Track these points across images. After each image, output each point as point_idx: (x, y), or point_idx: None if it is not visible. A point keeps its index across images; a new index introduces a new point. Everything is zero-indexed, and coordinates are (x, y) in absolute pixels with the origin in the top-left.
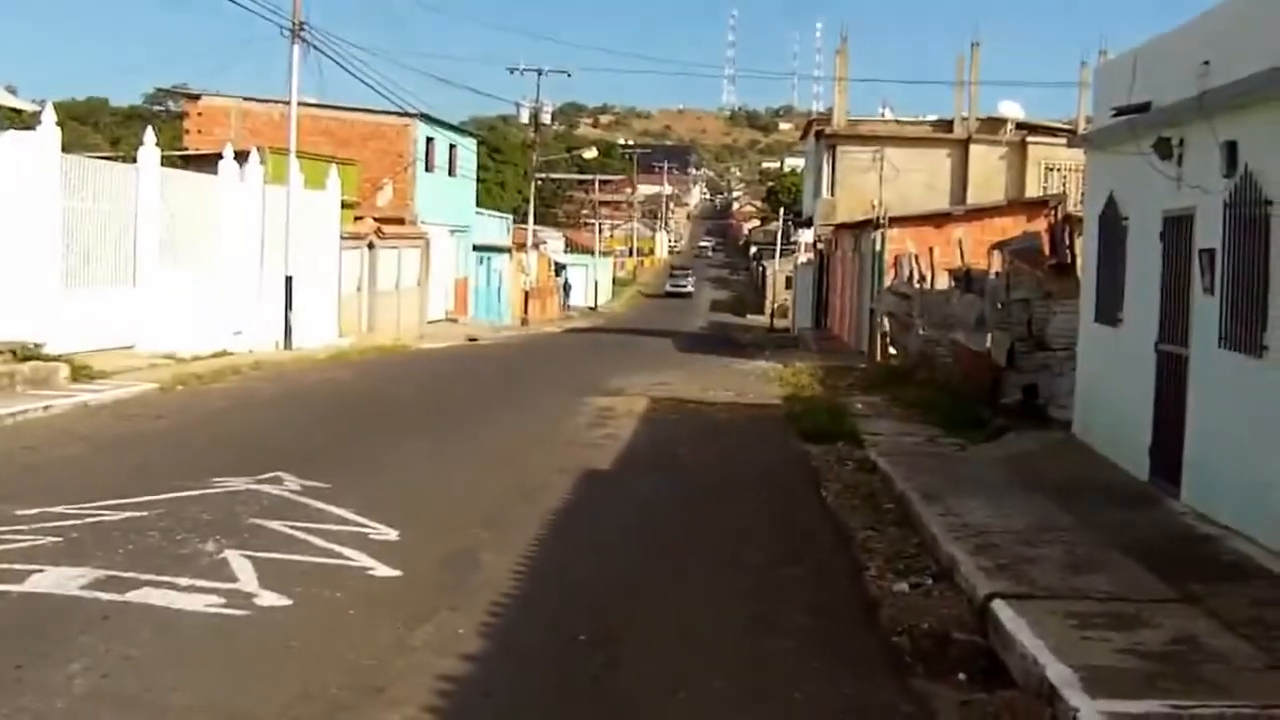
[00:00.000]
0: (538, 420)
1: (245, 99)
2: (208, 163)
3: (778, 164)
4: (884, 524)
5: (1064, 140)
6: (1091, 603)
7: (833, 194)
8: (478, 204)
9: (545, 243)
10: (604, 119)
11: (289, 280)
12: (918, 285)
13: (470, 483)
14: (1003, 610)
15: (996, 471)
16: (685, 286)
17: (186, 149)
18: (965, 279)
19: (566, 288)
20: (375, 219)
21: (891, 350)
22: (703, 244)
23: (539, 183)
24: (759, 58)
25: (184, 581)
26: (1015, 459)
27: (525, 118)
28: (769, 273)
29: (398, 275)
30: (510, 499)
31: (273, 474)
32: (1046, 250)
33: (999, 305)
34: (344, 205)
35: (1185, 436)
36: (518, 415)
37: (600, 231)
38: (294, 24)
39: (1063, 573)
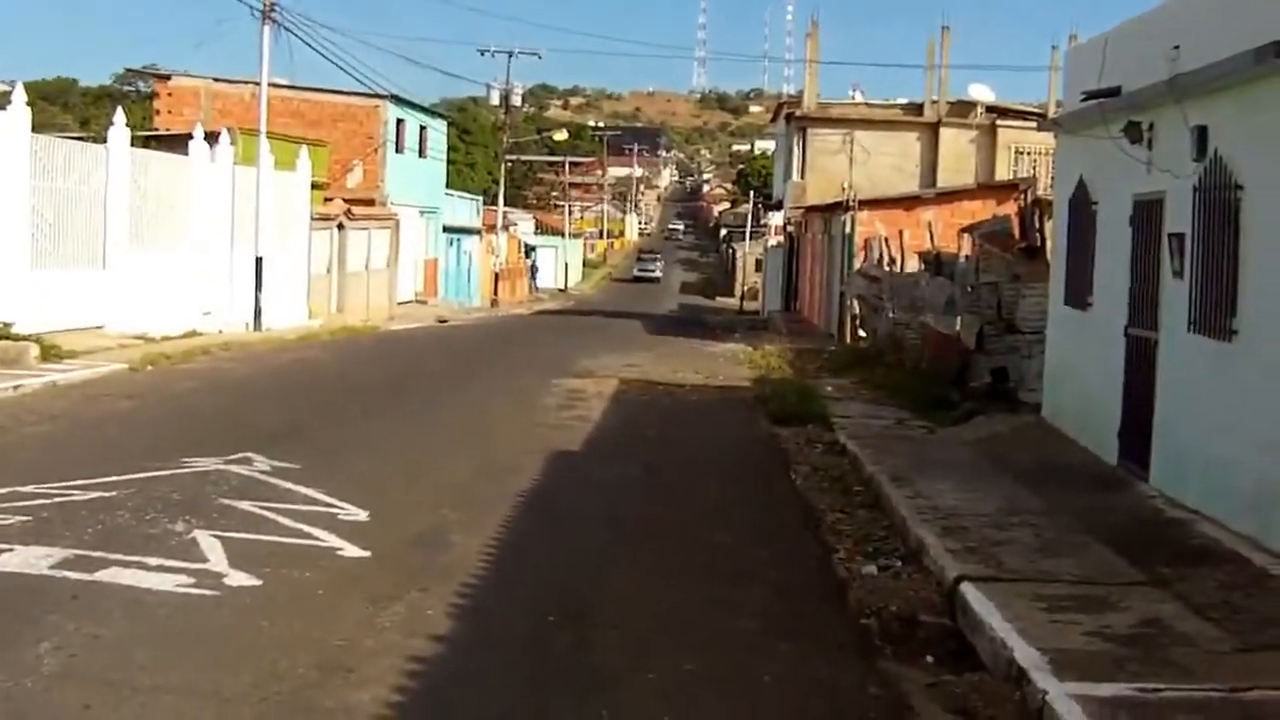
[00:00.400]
0: (507, 402)
1: (215, 80)
2: (178, 143)
3: (748, 147)
4: (853, 506)
5: (1034, 124)
6: (1060, 585)
7: (803, 177)
8: (448, 185)
9: (515, 224)
10: (574, 101)
11: (259, 261)
12: (887, 268)
13: (440, 464)
14: (971, 593)
15: (965, 454)
16: (653, 271)
17: (157, 129)
18: (935, 262)
19: (534, 269)
20: (345, 200)
21: (861, 333)
22: (673, 226)
23: (509, 164)
24: (730, 40)
25: (153, 561)
26: (984, 442)
27: (496, 99)
28: (739, 255)
29: (367, 256)
30: (480, 480)
31: (242, 454)
32: (1016, 234)
33: (968, 288)
34: (314, 186)
35: (1154, 420)
36: (487, 396)
37: (570, 213)
38: (265, 5)
39: (1031, 556)
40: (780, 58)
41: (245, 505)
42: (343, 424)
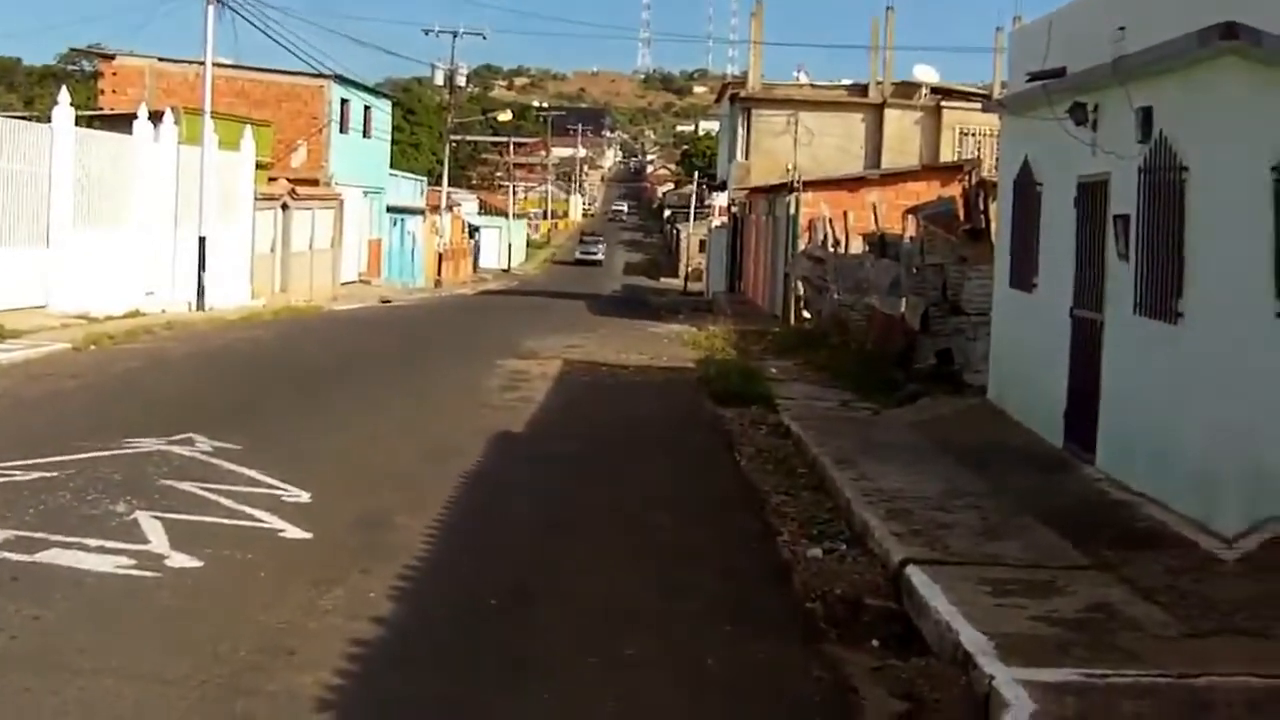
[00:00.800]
0: (451, 382)
1: (160, 59)
2: (122, 123)
3: (692, 127)
4: (797, 489)
5: (979, 105)
6: (1006, 569)
7: (747, 157)
8: (392, 166)
9: (459, 205)
10: (519, 81)
11: (202, 241)
12: (832, 249)
13: (383, 445)
14: (917, 576)
15: (910, 436)
16: (596, 254)
17: (101, 109)
18: (880, 243)
19: (477, 250)
20: (289, 180)
21: (805, 314)
22: (616, 207)
23: (453, 145)
24: (675, 20)
25: (94, 542)
26: (929, 424)
27: (440, 80)
28: (683, 236)
29: (311, 236)
30: (423, 461)
31: (184, 435)
32: (961, 215)
33: (913, 270)
34: (258, 166)
35: (1100, 402)
36: (431, 377)
37: (514, 194)
38: None
39: (977, 539)
40: (725, 38)
41: (187, 486)
42: (286, 405)
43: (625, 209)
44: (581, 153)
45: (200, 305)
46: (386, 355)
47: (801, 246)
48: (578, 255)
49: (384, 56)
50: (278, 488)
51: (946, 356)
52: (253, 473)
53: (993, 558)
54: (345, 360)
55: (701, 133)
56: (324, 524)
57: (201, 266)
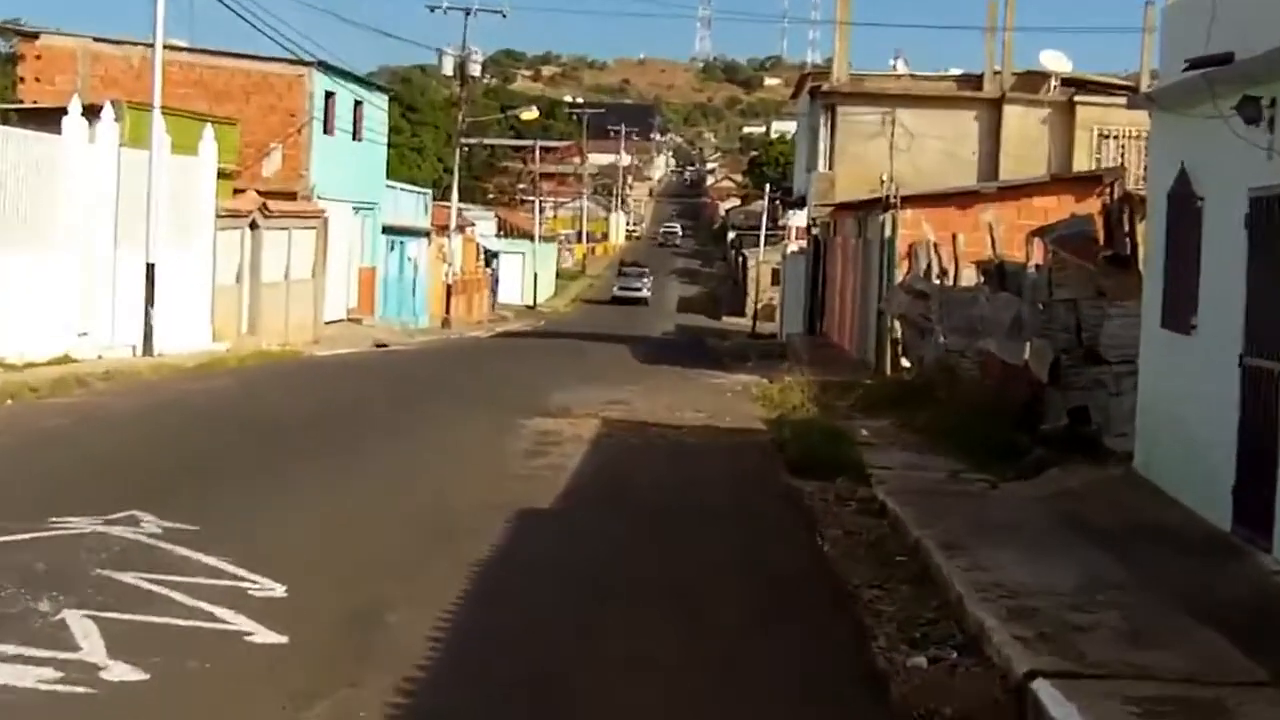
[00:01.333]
0: (462, 447)
1: (96, 39)
2: (48, 119)
3: (762, 129)
4: (895, 581)
5: (1122, 100)
6: (1158, 684)
7: (831, 166)
8: (389, 175)
9: (473, 224)
10: (547, 71)
11: (150, 268)
12: (937, 281)
13: (378, 524)
14: (1046, 692)
15: (1037, 515)
16: (639, 290)
17: (21, 101)
18: (997, 273)
19: (495, 281)
20: (260, 192)
21: (904, 362)
22: (668, 228)
23: (465, 150)
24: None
25: (10, 649)
26: (1060, 499)
27: (449, 69)
28: (751, 265)
29: (287, 263)
30: (427, 545)
31: (127, 512)
32: (1100, 238)
33: (1040, 306)
34: (221, 175)
35: (1279, 474)
36: (437, 440)
37: (541, 211)
38: None
39: (1120, 645)
40: (804, 18)
41: (129, 578)
42: (255, 474)
43: (679, 230)
44: (625, 160)
45: (147, 350)
46: (382, 413)
47: (899, 277)
48: (616, 292)
49: (380, 40)
50: (244, 579)
51: (1081, 415)
52: (212, 559)
53: (1141, 670)
54: (330, 419)
55: (774, 136)
56: (302, 624)
57: (149, 301)
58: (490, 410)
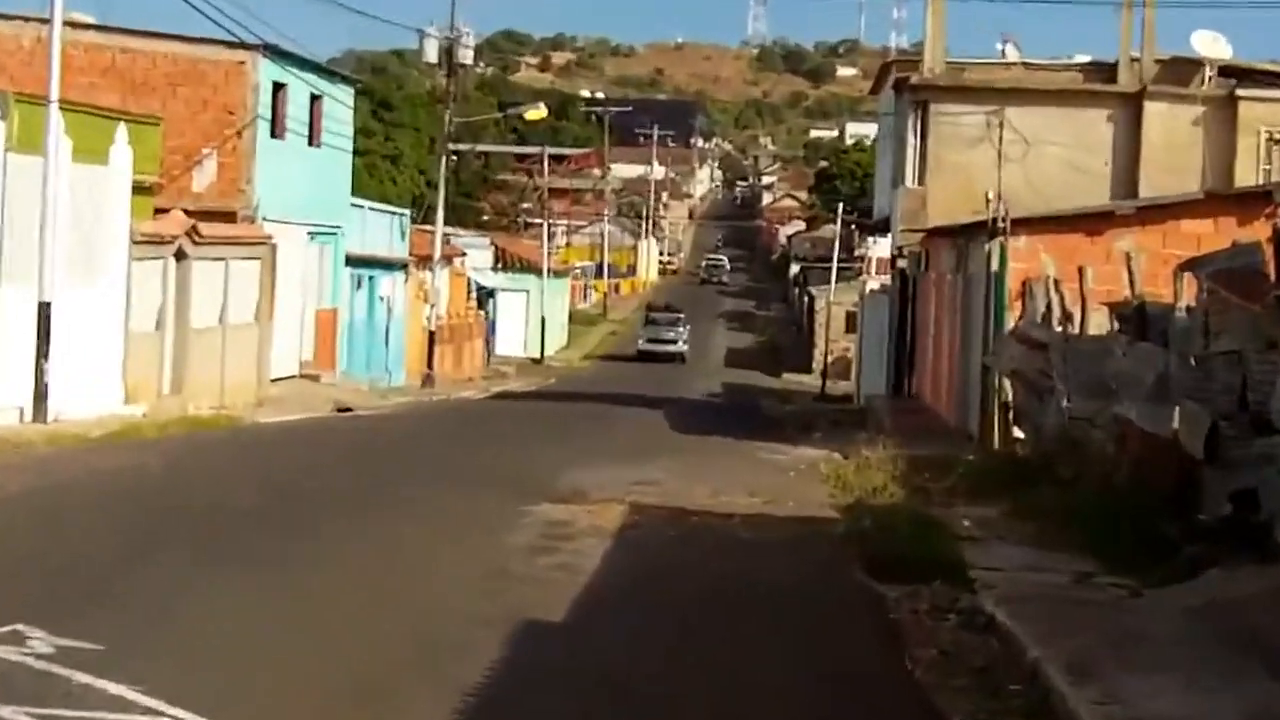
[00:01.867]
0: (449, 539)
1: None
2: None
3: (833, 132)
4: (1007, 715)
5: None
6: None
7: (922, 181)
8: (356, 191)
9: (463, 254)
10: (558, 58)
11: (44, 309)
12: (1059, 327)
13: (338, 640)
14: None
15: (1191, 630)
16: (672, 342)
17: None
18: (1137, 318)
19: (492, 327)
20: (189, 212)
21: (1016, 432)
22: (713, 260)
23: (454, 159)
24: None
25: None
26: (1221, 610)
27: (432, 55)
28: (819, 306)
29: (224, 304)
30: (401, 667)
31: (9, 627)
32: (1270, 272)
33: (1192, 361)
34: (138, 190)
35: None
36: (416, 532)
37: (551, 238)
38: None
39: None
40: None
41: (8, 712)
42: (177, 578)
43: (726, 263)
44: (658, 172)
45: (40, 414)
46: (343, 495)
47: (1010, 323)
48: (641, 345)
49: (343, 17)
50: (160, 713)
51: (1248, 501)
52: (120, 688)
53: None
54: (276, 506)
55: (848, 141)
56: None
57: (42, 352)
58: (484, 494)
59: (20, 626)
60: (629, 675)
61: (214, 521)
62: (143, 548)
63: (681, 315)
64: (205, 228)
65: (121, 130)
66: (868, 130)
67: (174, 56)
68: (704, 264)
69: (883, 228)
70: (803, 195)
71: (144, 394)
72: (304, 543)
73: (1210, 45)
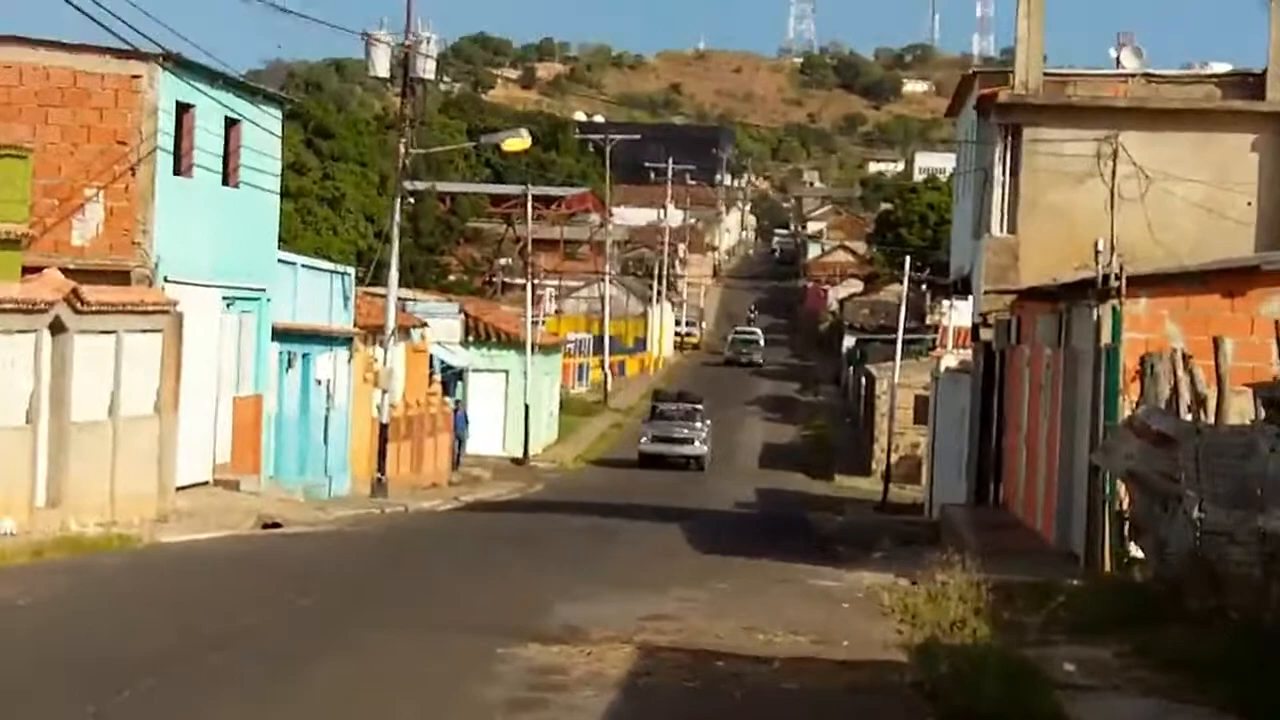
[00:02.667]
0: (404, 694)
1: None
2: None
3: (898, 165)
4: None
5: None
6: None
7: (1013, 228)
8: (285, 244)
9: (425, 325)
10: (545, 71)
11: None
12: (1189, 416)
13: None
14: None
15: None
16: (687, 442)
17: None
18: None
19: (463, 421)
20: (68, 271)
21: (1134, 550)
22: (744, 334)
23: (411, 201)
24: None
25: None
26: None
27: (382, 67)
28: (881, 390)
29: (115, 390)
30: None
31: None
32: None
33: None
34: (2, 243)
35: None
36: (366, 687)
37: (537, 302)
38: None
39: None
40: None
41: None
42: None
43: (760, 336)
44: (675, 217)
45: None
46: (272, 639)
47: (1126, 410)
48: (643, 446)
49: (269, 18)
50: None
51: None
52: None
53: None
54: (183, 651)
55: (918, 176)
56: None
57: None
58: (453, 633)
59: None
60: None
61: (103, 679)
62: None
63: (700, 407)
64: (89, 292)
65: None
66: (943, 163)
67: (46, 70)
68: (730, 338)
69: (962, 289)
70: (859, 247)
71: (12, 507)
72: (222, 705)
73: None
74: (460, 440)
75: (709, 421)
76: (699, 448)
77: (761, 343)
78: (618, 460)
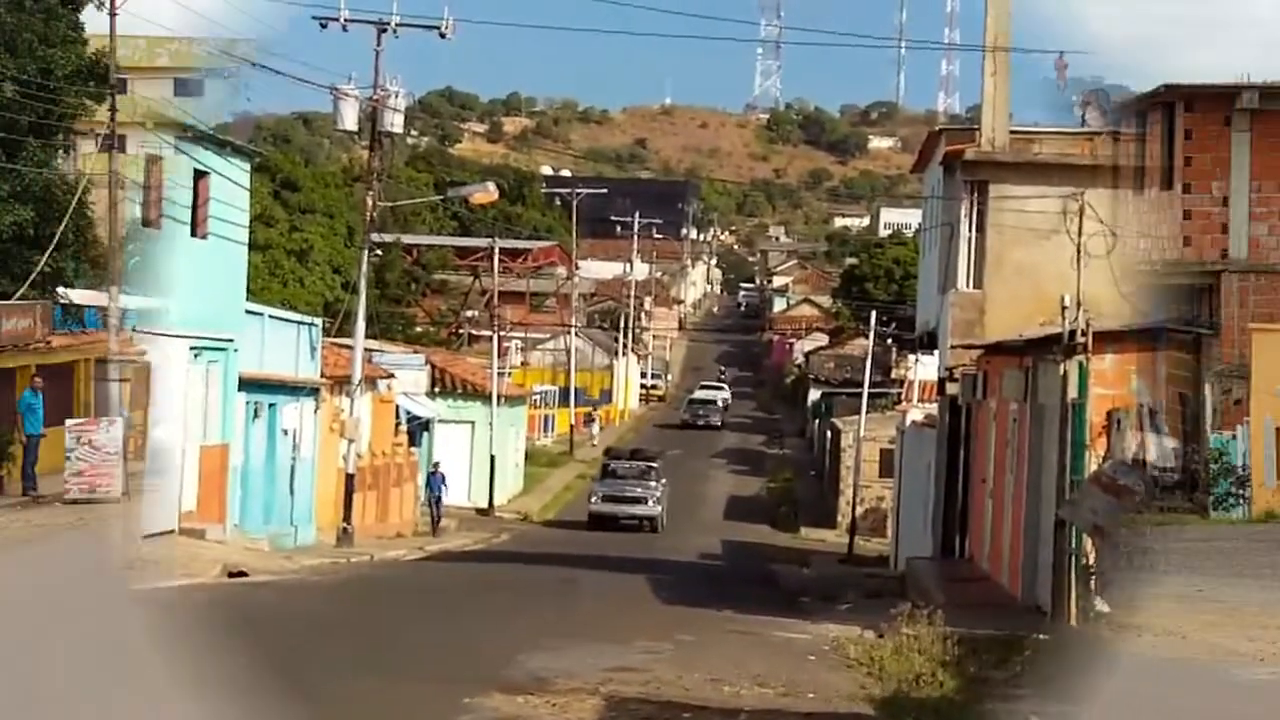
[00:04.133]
0: None
1: None
2: None
3: (863, 220)
4: None
5: None
6: None
7: (979, 284)
8: (253, 295)
9: (391, 376)
10: (511, 125)
11: None
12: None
13: None
14: None
15: None
16: (640, 502)
17: None
18: None
19: (433, 480)
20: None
21: (1101, 604)
22: (707, 391)
23: (378, 254)
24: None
25: None
26: None
27: (350, 120)
28: (847, 443)
29: None
30: None
31: None
32: None
33: None
34: None
35: None
36: None
37: (503, 354)
38: None
39: None
40: (932, 40)
41: None
42: None
43: (721, 398)
44: (640, 271)
45: None
46: (230, 683)
47: (1093, 465)
48: (594, 506)
49: (241, 71)
50: None
51: None
52: None
53: None
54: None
55: (884, 232)
56: None
57: None
58: (415, 682)
59: None
60: None
61: None
62: None
63: (655, 465)
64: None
65: None
66: (908, 218)
67: None
68: (687, 399)
69: (927, 343)
70: (825, 301)
71: None
72: None
73: None
74: (438, 500)
75: (664, 480)
76: (652, 508)
77: (723, 403)
78: (560, 524)
